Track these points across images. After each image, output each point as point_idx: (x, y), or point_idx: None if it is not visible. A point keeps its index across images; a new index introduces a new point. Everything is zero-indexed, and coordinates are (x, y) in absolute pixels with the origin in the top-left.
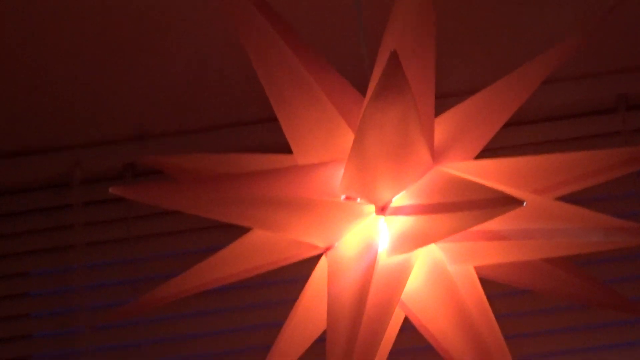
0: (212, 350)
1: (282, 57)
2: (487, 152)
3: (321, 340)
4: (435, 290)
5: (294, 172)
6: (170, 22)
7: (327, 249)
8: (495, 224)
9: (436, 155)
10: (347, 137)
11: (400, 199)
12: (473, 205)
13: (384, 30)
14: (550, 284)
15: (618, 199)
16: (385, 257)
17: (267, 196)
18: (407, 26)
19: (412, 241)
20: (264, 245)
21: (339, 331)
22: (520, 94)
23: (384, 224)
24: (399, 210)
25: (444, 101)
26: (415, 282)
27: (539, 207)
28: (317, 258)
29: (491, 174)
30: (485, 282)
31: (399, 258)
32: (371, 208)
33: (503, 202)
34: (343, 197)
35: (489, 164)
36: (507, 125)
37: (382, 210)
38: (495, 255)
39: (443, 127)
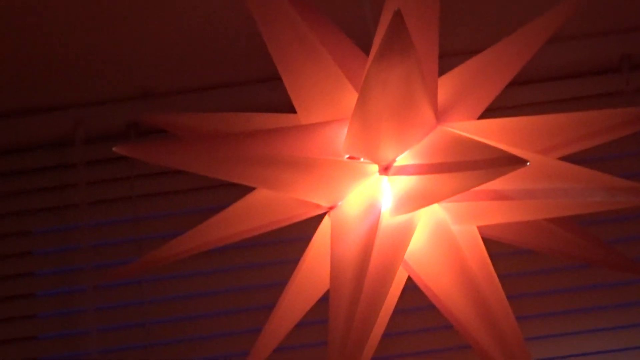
0: (216, 310)
1: (286, 16)
2: (490, 112)
3: (324, 299)
4: (438, 250)
5: (298, 131)
6: None
7: (330, 208)
8: (498, 184)
9: (440, 115)
10: (351, 97)
11: (403, 159)
12: (476, 165)
13: None
14: (553, 243)
15: (621, 159)
16: (388, 217)
17: (270, 155)
18: None
19: (415, 201)
20: (267, 205)
21: (342, 290)
22: (524, 53)
23: (387, 183)
24: (402, 170)
25: (447, 60)
26: (418, 242)
27: (542, 167)
28: (320, 217)
29: (494, 133)
30: (488, 241)
31: (402, 218)
32: (374, 168)
33: (506, 162)
34: (346, 156)
35: (493, 124)
36: (511, 84)
37: (385, 169)
38: (498, 215)
39: (446, 86)
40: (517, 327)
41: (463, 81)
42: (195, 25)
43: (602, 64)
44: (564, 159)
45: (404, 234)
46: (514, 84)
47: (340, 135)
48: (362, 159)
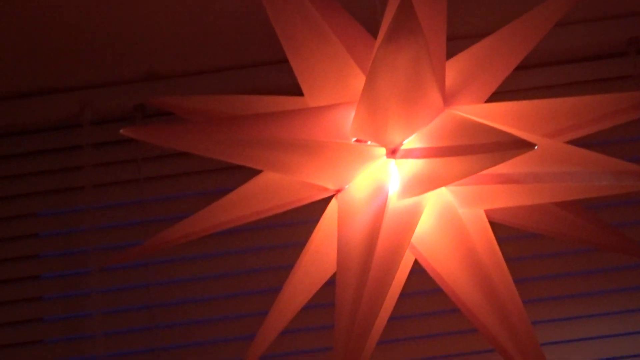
0: (222, 293)
1: None
2: (497, 95)
3: (331, 282)
4: (445, 234)
5: (305, 114)
6: None
7: (338, 191)
8: (505, 168)
9: (447, 98)
10: (359, 80)
11: (411, 142)
12: (484, 148)
13: None
14: (559, 227)
15: (628, 143)
16: (395, 200)
17: (277, 138)
18: None
19: (422, 184)
20: (274, 188)
21: (349, 274)
22: (532, 37)
23: (395, 166)
24: (409, 153)
25: (455, 43)
26: (426, 226)
27: (549, 151)
28: (327, 200)
29: (502, 117)
30: (495, 225)
31: (409, 201)
32: (382, 151)
33: (514, 145)
34: (353, 139)
35: (500, 107)
36: (518, 68)
37: (392, 153)
38: (505, 198)
39: (454, 70)
40: (524, 311)
41: (471, 64)
42: (203, 7)
43: (610, 47)
44: (571, 142)
45: (411, 218)
46: (522, 67)
47: (348, 118)
48: (369, 142)
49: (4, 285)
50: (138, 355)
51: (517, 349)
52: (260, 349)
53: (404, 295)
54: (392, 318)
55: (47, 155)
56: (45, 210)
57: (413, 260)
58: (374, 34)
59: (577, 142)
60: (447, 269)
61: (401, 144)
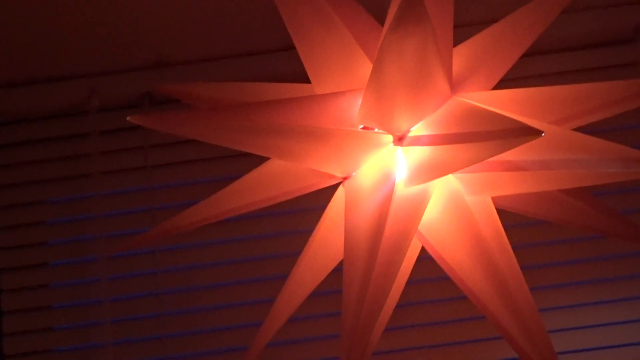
0: (229, 280)
1: None
2: (504, 83)
3: (338, 270)
4: (452, 221)
5: (312, 101)
6: None
7: (345, 178)
8: (513, 155)
9: (454, 85)
10: (366, 67)
11: (418, 129)
12: (491, 135)
13: None
14: (567, 214)
15: (635, 130)
16: (402, 188)
17: (285, 125)
18: None
19: (429, 171)
20: (282, 175)
21: (356, 261)
22: (538, 24)
23: (402, 154)
24: (416, 141)
25: (462, 31)
26: (433, 213)
27: (557, 138)
28: (334, 188)
29: (509, 104)
30: (502, 212)
31: (416, 188)
32: (389, 138)
33: (521, 133)
34: (361, 126)
35: (507, 95)
36: (525, 55)
37: (399, 140)
38: (512, 186)
39: (461, 57)
40: (530, 298)
41: (478, 52)
42: None
43: (617, 34)
44: (579, 129)
45: (418, 205)
46: (529, 54)
47: (355, 106)
48: (376, 129)
49: (12, 273)
50: (145, 342)
51: (524, 335)
52: (267, 336)
53: (410, 282)
54: (399, 305)
55: (55, 142)
56: (52, 197)
57: (420, 247)
58: (381, 22)
59: (584, 129)
60: (454, 256)
61: (408, 131)
